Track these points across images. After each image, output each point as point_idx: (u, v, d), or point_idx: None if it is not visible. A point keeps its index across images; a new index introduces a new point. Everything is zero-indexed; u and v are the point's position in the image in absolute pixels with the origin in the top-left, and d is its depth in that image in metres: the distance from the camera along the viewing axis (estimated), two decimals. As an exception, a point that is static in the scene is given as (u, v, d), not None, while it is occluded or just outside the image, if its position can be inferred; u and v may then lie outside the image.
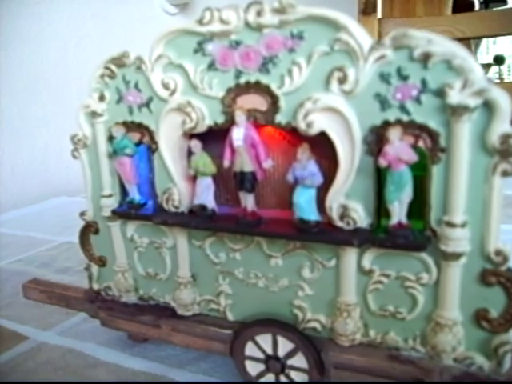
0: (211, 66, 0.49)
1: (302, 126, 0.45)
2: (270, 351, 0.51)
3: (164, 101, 0.52)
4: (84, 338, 0.67)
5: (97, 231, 0.62)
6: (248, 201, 0.49)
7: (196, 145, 0.51)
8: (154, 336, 0.59)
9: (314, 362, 0.49)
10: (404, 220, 0.44)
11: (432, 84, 0.40)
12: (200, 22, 0.48)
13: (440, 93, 0.40)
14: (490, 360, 0.44)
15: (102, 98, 0.56)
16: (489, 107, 0.39)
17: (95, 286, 0.64)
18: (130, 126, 0.55)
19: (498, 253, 0.41)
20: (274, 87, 0.46)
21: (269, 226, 0.49)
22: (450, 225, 0.42)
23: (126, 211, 0.57)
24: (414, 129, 0.42)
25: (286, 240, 0.50)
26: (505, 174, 0.40)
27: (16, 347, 0.66)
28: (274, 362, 0.51)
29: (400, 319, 0.47)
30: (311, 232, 0.46)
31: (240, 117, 0.47)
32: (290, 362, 0.50)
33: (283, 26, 0.44)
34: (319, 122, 0.45)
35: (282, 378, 0.51)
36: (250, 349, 0.52)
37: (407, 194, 0.43)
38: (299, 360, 0.50)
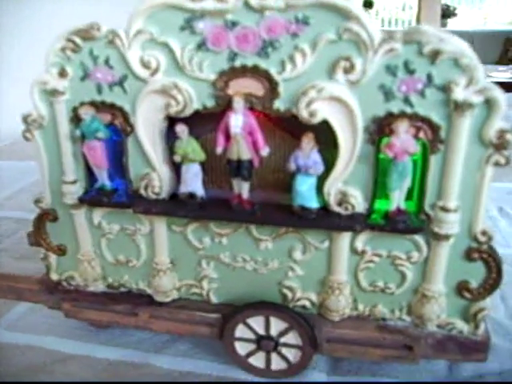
0: (201, 46, 0.45)
1: (304, 114, 0.45)
2: (261, 332, 0.53)
3: (142, 80, 0.48)
4: (38, 331, 0.62)
5: (55, 219, 0.56)
6: (244, 188, 0.48)
7: (183, 130, 0.48)
8: (130, 324, 0.57)
9: (307, 338, 0.51)
10: (402, 205, 0.46)
11: (437, 79, 0.42)
12: (192, -3, 0.44)
13: (444, 88, 0.42)
14: (468, 324, 0.49)
15: (62, 74, 0.49)
16: (489, 104, 0.42)
17: (54, 277, 0.59)
18: (100, 107, 0.50)
19: (484, 233, 0.46)
20: (273, 72, 0.45)
21: (266, 214, 0.48)
22: (444, 209, 0.45)
23: (97, 198, 0.52)
24: (416, 121, 0.44)
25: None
26: (496, 164, 0.44)
27: (-41, 350, 0.59)
28: (266, 342, 0.52)
29: (389, 294, 0.50)
30: (311, 219, 0.47)
31: (238, 103, 0.45)
32: (282, 339, 0.52)
33: (288, 10, 0.43)
34: (322, 111, 0.44)
35: (274, 355, 0.53)
36: (240, 330, 0.53)
37: (408, 181, 0.45)
38: (292, 337, 0.52)
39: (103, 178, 0.52)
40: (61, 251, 0.58)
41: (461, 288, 0.49)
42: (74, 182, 0.53)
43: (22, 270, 0.75)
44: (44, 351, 0.59)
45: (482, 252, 0.47)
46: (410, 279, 0.49)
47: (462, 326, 0.50)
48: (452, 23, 3.64)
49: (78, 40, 0.48)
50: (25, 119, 0.52)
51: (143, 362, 0.56)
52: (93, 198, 0.53)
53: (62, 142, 0.52)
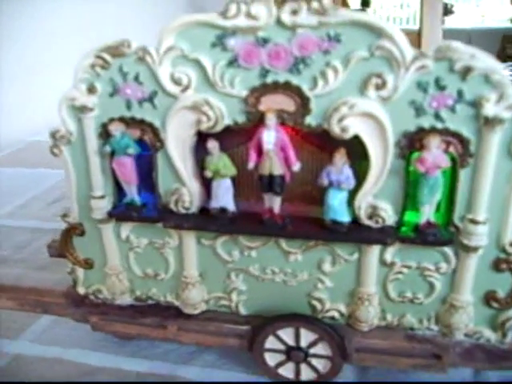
0: (233, 63, 0.46)
1: (336, 130, 0.45)
2: (291, 343, 0.53)
3: (173, 97, 0.48)
4: (64, 344, 0.63)
5: (82, 233, 0.57)
6: (275, 203, 0.49)
7: (215, 146, 0.48)
8: (159, 337, 0.57)
9: (337, 349, 0.52)
10: (432, 218, 0.47)
11: (468, 95, 0.43)
12: (224, 14, 0.44)
13: (475, 104, 0.43)
14: (496, 332, 0.50)
15: (91, 91, 0.50)
16: None
17: (81, 290, 0.59)
18: (129, 123, 0.50)
19: (512, 244, 0.47)
20: (305, 88, 0.45)
21: (297, 227, 0.49)
22: (474, 222, 0.46)
23: (127, 213, 0.53)
24: (446, 135, 0.44)
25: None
26: (525, 177, 0.45)
27: (-14, 365, 0.60)
28: (296, 352, 0.53)
29: (417, 304, 0.51)
30: (342, 232, 0.48)
31: (271, 120, 0.46)
32: (312, 350, 0.53)
33: (320, 28, 0.43)
34: (354, 127, 0.45)
35: (303, 366, 0.54)
36: (270, 342, 0.54)
37: (438, 195, 0.46)
38: (322, 348, 0.53)
39: (132, 193, 0.53)
40: (88, 265, 0.58)
41: (488, 298, 0.49)
42: (102, 197, 0.53)
43: (41, 281, 0.75)
44: (72, 364, 0.59)
45: (510, 263, 0.48)
46: (438, 289, 0.50)
47: (490, 335, 0.51)
48: (449, 21, 3.64)
49: (107, 57, 0.48)
50: (53, 135, 0.52)
51: (172, 374, 0.57)
52: (122, 212, 0.53)
53: (90, 158, 0.52)
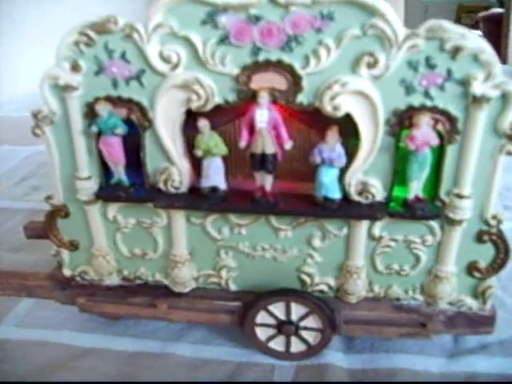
0: (224, 40, 0.45)
1: (327, 108, 0.46)
2: (282, 317, 0.55)
3: (161, 75, 0.47)
4: (50, 326, 0.62)
5: (66, 215, 0.55)
6: (267, 181, 0.49)
7: (205, 125, 0.48)
8: (149, 316, 0.57)
9: (327, 321, 0.53)
10: (420, 194, 0.49)
11: (457, 74, 0.44)
12: (215, -9, 0.43)
13: (463, 82, 0.44)
14: (477, 300, 0.53)
15: (75, 69, 0.48)
16: (504, 98, 0.44)
17: (67, 272, 0.58)
18: (116, 102, 0.49)
19: (494, 217, 0.49)
20: (297, 66, 0.45)
21: (289, 205, 0.50)
22: (459, 196, 0.48)
23: (114, 194, 0.52)
24: (435, 113, 0.45)
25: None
26: (508, 153, 0.46)
27: (-27, 351, 0.58)
28: (287, 326, 0.54)
29: (403, 275, 0.53)
30: (334, 209, 0.49)
31: (264, 98, 0.46)
32: (303, 323, 0.54)
33: (313, 6, 0.43)
34: (346, 105, 0.46)
35: (294, 339, 0.55)
36: (261, 317, 0.55)
37: (426, 171, 0.47)
38: (313, 321, 0.54)
39: (120, 173, 0.52)
40: (73, 247, 0.57)
41: (471, 268, 0.52)
42: (88, 178, 0.52)
43: (19, 263, 0.75)
44: (61, 347, 0.59)
45: (491, 234, 0.50)
46: (423, 261, 0.52)
47: (471, 303, 0.53)
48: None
49: (92, 34, 0.46)
50: (35, 115, 0.50)
51: (163, 352, 0.58)
52: (110, 193, 0.52)
53: (75, 138, 0.51)
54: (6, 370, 0.55)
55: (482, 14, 2.89)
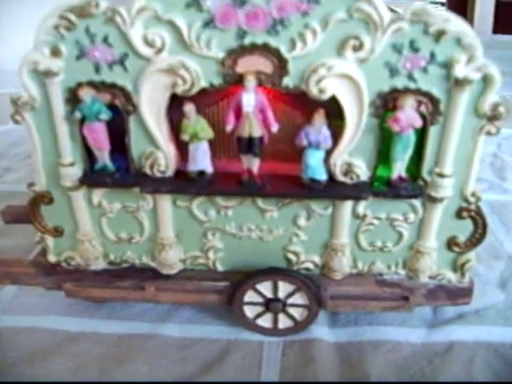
0: (209, 24, 0.45)
1: (313, 91, 0.46)
2: (270, 295, 0.56)
3: (146, 59, 0.46)
4: (37, 312, 0.62)
5: (50, 201, 0.55)
6: (254, 164, 0.50)
7: (191, 109, 0.48)
8: (137, 298, 0.58)
9: (314, 297, 0.55)
10: (403, 173, 0.50)
11: (440, 57, 0.45)
12: (199, -26, 0.43)
13: (446, 65, 0.45)
14: (456, 273, 0.56)
15: (56, 54, 0.47)
16: (485, 80, 0.45)
17: (52, 259, 0.58)
18: (99, 87, 0.48)
19: (473, 194, 0.51)
20: (283, 50, 0.45)
21: (275, 187, 0.50)
22: (441, 175, 0.49)
23: (100, 180, 0.52)
24: (418, 95, 0.46)
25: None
26: (488, 133, 0.48)
27: (-40, 340, 0.58)
28: (274, 303, 0.56)
29: (386, 251, 0.55)
30: (320, 190, 0.50)
31: (251, 82, 0.46)
32: (290, 300, 0.56)
33: (299, -11, 0.43)
34: (331, 88, 0.46)
35: (281, 315, 0.57)
36: (249, 296, 0.56)
37: (410, 152, 0.49)
38: (299, 298, 0.56)
39: (104, 159, 0.51)
40: (58, 233, 0.56)
41: (451, 243, 0.54)
42: (72, 164, 0.52)
43: (-1, 248, 0.73)
44: (49, 332, 0.59)
45: (470, 211, 0.52)
46: (406, 238, 0.54)
47: (451, 276, 0.56)
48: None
49: (72, 17, 0.45)
50: (14, 102, 0.49)
51: (152, 333, 0.58)
52: (95, 179, 0.52)
53: (57, 124, 0.50)
54: (-2, 358, 0.56)
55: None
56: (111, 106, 0.49)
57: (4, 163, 1.01)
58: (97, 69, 0.47)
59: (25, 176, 0.95)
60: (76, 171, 0.52)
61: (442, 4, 2.56)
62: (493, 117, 0.47)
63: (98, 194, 0.54)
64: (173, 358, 0.55)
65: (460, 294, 0.56)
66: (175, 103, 0.49)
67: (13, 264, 0.59)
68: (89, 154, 0.52)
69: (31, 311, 0.62)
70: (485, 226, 0.52)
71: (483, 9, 2.31)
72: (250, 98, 0.47)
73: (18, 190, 0.91)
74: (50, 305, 0.62)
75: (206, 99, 0.50)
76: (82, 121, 0.49)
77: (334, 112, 0.48)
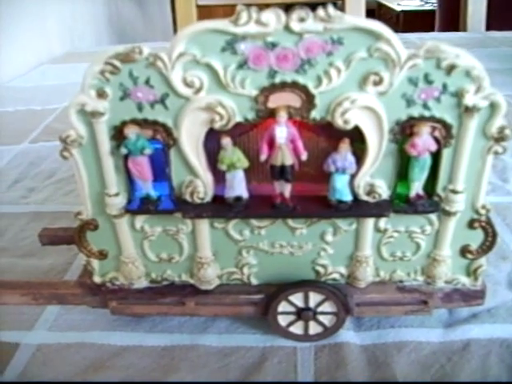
0: (243, 66, 0.49)
1: (339, 122, 0.51)
2: (301, 305, 0.61)
3: (185, 98, 0.51)
4: (81, 328, 0.66)
5: (96, 228, 0.59)
6: (286, 189, 0.55)
7: (228, 142, 0.52)
8: (178, 313, 0.63)
9: (342, 305, 0.60)
10: (421, 191, 0.55)
11: (451, 88, 0.50)
12: (235, 22, 0.47)
13: (457, 94, 0.50)
14: (469, 278, 0.61)
15: (102, 96, 0.51)
16: (492, 107, 0.50)
17: (98, 280, 0.63)
18: (142, 124, 0.53)
19: (483, 207, 0.56)
20: (310, 86, 0.50)
21: (305, 208, 0.55)
22: (454, 191, 0.55)
23: (144, 208, 0.56)
24: (433, 122, 0.52)
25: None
26: (495, 153, 0.53)
27: (14, 359, 0.62)
28: (305, 312, 0.61)
29: (406, 261, 0.60)
30: (346, 209, 0.55)
31: (283, 117, 0.50)
32: (319, 309, 0.61)
33: (325, 32, 0.48)
34: (355, 119, 0.51)
35: (312, 323, 0.62)
36: (282, 306, 0.61)
37: (426, 173, 0.54)
38: (328, 306, 0.61)
39: (147, 188, 0.56)
40: (103, 256, 0.61)
41: (464, 251, 0.59)
42: (117, 195, 0.56)
43: (31, 268, 0.78)
44: (96, 347, 0.63)
45: (481, 222, 0.57)
46: (423, 248, 0.59)
47: (465, 280, 0.61)
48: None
49: (117, 63, 0.50)
50: (63, 140, 0.54)
51: (193, 344, 0.63)
52: (139, 207, 0.57)
53: (103, 159, 0.54)
54: (49, 373, 0.60)
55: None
56: (154, 140, 0.54)
57: (27, 184, 1.05)
58: (139, 108, 0.52)
59: (49, 196, 0.99)
60: (121, 200, 0.57)
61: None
62: (499, 138, 0.52)
63: (140, 220, 0.59)
64: (215, 367, 0.60)
65: (474, 296, 0.61)
66: (210, 134, 0.54)
67: (59, 286, 0.64)
68: (131, 183, 0.57)
69: (76, 327, 0.66)
70: (494, 235, 0.58)
71: (476, 6, 2.36)
72: (282, 131, 0.51)
73: (43, 210, 0.95)
74: (93, 321, 0.67)
75: (237, 129, 0.55)
76: (126, 155, 0.54)
77: (355, 135, 0.53)
